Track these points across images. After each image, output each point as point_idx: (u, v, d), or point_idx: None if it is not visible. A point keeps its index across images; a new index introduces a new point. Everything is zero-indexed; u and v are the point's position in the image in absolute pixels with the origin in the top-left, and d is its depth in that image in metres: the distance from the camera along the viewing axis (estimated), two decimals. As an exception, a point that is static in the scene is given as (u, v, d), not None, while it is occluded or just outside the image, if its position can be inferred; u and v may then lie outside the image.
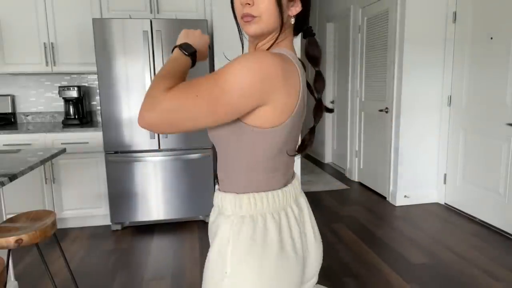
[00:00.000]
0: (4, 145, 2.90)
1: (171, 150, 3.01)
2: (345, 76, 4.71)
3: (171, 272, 2.38)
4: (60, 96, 3.25)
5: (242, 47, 0.97)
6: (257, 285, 0.80)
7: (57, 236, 2.82)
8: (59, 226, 3.13)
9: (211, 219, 0.98)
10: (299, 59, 0.90)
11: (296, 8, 0.85)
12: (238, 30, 0.91)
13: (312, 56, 0.89)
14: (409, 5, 3.32)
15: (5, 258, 1.99)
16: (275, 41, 0.85)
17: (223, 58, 3.06)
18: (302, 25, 0.90)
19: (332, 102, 5.27)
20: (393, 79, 3.54)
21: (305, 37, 0.91)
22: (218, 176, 0.93)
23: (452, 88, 3.43)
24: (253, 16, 0.80)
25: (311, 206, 3.59)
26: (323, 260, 2.50)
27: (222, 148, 0.86)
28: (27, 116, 3.52)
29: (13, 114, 3.47)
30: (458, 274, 2.30)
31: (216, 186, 0.95)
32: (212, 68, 3.17)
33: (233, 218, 0.85)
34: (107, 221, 3.16)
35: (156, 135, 2.96)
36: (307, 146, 0.88)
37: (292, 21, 0.86)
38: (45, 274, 2.38)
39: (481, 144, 3.11)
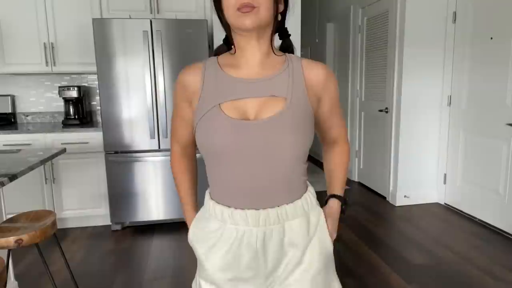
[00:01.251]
0: (4, 145, 2.90)
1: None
2: (345, 76, 4.71)
3: (171, 272, 2.38)
4: (60, 96, 3.25)
5: (232, 43, 0.86)
6: None
7: (57, 236, 2.82)
8: (59, 226, 3.13)
9: (300, 241, 0.89)
10: None
11: (281, 6, 0.84)
12: (223, 23, 0.83)
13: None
14: (409, 5, 3.32)
15: (5, 258, 1.99)
16: (272, 37, 0.85)
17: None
18: (281, 25, 0.90)
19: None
20: (393, 79, 3.54)
21: (281, 38, 0.92)
22: (274, 191, 0.85)
23: (452, 88, 3.43)
24: (253, 7, 0.76)
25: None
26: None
27: (290, 153, 0.82)
28: (27, 116, 3.52)
29: (13, 114, 3.47)
30: (458, 274, 2.30)
31: (274, 210, 0.85)
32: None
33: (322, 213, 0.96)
34: (107, 221, 3.16)
35: (156, 135, 2.96)
36: None
37: (279, 17, 0.85)
38: (45, 274, 2.38)
39: (481, 144, 3.11)
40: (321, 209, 0.96)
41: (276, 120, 0.80)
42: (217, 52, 0.93)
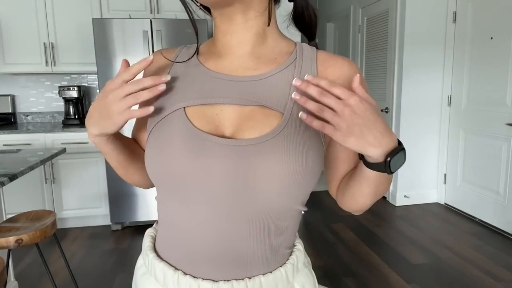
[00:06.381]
0: (4, 145, 2.90)
1: (171, 150, 3.00)
2: (345, 76, 4.71)
3: (171, 272, 2.37)
4: (60, 96, 3.25)
5: (194, 26, 0.58)
6: None
7: (57, 236, 2.82)
8: (59, 226, 3.13)
9: None
10: None
11: None
12: (184, 3, 0.57)
13: (309, 24, 0.64)
14: (409, 5, 3.32)
15: (5, 258, 1.99)
16: (271, 6, 0.55)
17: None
18: None
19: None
20: (393, 79, 3.54)
21: (292, 0, 0.65)
22: (247, 253, 0.56)
23: (452, 88, 3.43)
24: None
25: (312, 206, 3.60)
26: (323, 259, 2.50)
27: (280, 196, 0.54)
28: (27, 116, 3.52)
29: (13, 114, 3.47)
30: (458, 274, 2.30)
31: (241, 284, 0.57)
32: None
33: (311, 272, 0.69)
34: (107, 221, 3.16)
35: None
36: None
37: None
38: (45, 274, 2.38)
39: (481, 144, 3.11)
40: (310, 273, 0.66)
41: (263, 146, 0.51)
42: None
